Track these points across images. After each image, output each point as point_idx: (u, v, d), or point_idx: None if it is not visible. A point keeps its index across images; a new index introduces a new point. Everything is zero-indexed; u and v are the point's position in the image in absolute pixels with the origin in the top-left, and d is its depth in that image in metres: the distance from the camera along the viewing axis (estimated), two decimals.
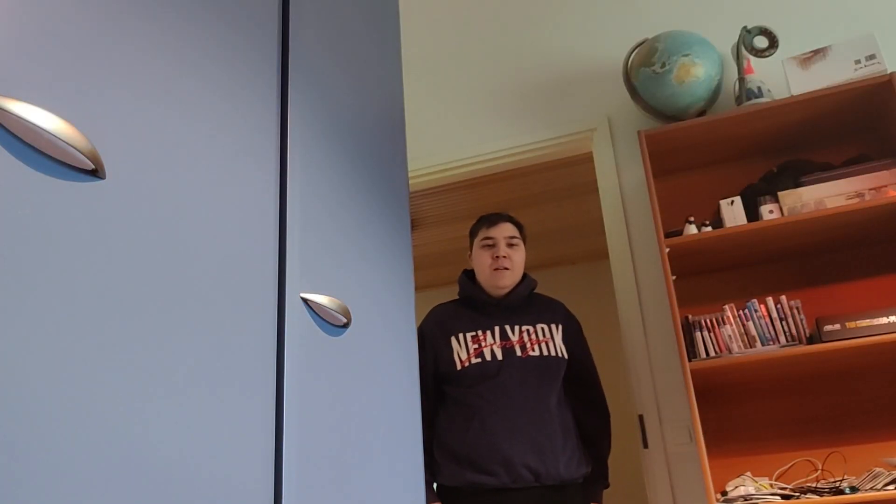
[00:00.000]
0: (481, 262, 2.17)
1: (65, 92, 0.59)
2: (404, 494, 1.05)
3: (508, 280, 2.13)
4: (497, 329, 2.11)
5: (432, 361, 2.12)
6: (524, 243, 2.22)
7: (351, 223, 1.07)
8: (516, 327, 2.11)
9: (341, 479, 0.90)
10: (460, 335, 2.12)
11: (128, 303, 0.62)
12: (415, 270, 5.25)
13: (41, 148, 0.55)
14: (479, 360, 2.05)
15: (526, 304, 2.19)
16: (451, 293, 2.33)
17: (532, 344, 2.08)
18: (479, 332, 2.11)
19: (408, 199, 1.30)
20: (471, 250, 2.27)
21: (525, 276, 2.23)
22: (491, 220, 2.22)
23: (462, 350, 2.08)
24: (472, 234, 2.27)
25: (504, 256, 2.13)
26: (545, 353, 2.07)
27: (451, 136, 2.86)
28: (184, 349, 0.67)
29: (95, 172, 0.60)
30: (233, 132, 0.82)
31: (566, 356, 2.11)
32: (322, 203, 0.99)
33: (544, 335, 2.11)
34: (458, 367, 2.06)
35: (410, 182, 2.88)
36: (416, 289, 5.57)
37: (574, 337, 2.18)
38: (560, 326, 2.15)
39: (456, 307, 2.23)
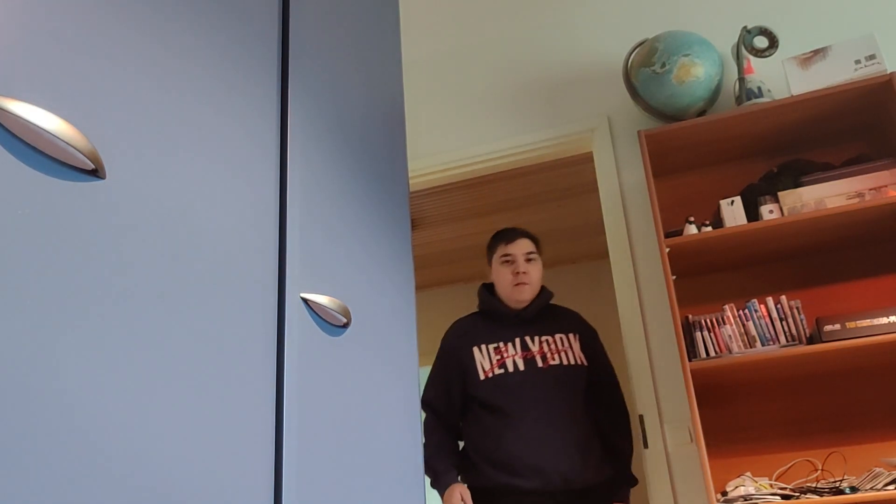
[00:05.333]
0: (502, 278, 2.25)
1: (65, 92, 0.59)
2: (404, 495, 1.05)
3: (528, 294, 2.22)
4: (518, 341, 2.19)
5: (458, 374, 2.21)
6: (540, 256, 2.30)
7: (351, 223, 1.07)
8: (536, 338, 2.20)
9: (341, 479, 0.90)
10: (482, 346, 2.20)
11: (127, 303, 0.62)
12: (415, 270, 5.24)
13: (41, 148, 0.55)
14: (501, 370, 2.14)
15: (543, 315, 2.27)
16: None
17: (552, 353, 2.17)
18: (501, 344, 2.19)
19: (408, 198, 1.30)
20: (490, 265, 2.35)
21: (542, 288, 2.30)
22: (508, 236, 2.30)
23: (485, 360, 2.17)
24: (490, 249, 2.35)
25: (524, 272, 2.22)
26: (565, 361, 2.16)
27: (452, 136, 2.86)
28: (183, 349, 0.68)
29: (95, 172, 0.60)
30: (233, 133, 0.82)
31: (586, 363, 2.20)
32: (322, 203, 0.99)
33: (563, 345, 2.20)
34: (482, 377, 2.15)
35: (411, 182, 2.88)
36: (416, 289, 5.57)
37: (591, 344, 2.27)
38: (577, 335, 2.24)
39: (476, 319, 2.32)
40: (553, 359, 2.16)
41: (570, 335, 2.23)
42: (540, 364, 2.14)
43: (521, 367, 2.13)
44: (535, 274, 2.24)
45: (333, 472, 0.89)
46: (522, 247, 2.26)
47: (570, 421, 2.07)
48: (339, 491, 0.89)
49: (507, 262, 2.25)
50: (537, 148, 2.72)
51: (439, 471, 2.13)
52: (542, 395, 2.08)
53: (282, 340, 0.84)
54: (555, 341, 2.20)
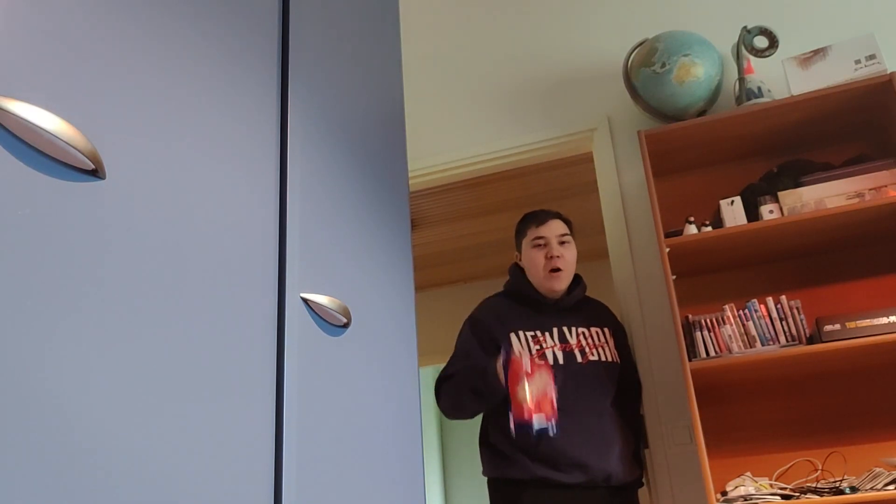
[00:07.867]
0: (534, 264, 2.13)
1: (65, 92, 0.59)
2: (404, 495, 1.05)
3: (563, 283, 2.13)
4: (556, 330, 2.10)
5: (495, 351, 2.07)
6: (574, 240, 2.20)
7: (351, 223, 1.07)
8: (573, 329, 2.11)
9: (341, 479, 0.90)
10: (520, 333, 2.09)
11: (127, 303, 0.62)
12: (415, 270, 5.24)
13: (41, 148, 0.55)
14: (542, 362, 2.04)
15: (578, 304, 2.20)
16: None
17: (591, 348, 2.10)
18: (538, 333, 2.09)
19: (408, 198, 1.30)
20: (519, 251, 2.23)
21: (578, 277, 2.22)
22: (539, 218, 2.18)
23: (524, 350, 2.06)
24: (520, 233, 2.24)
25: (558, 256, 2.11)
26: (603, 358, 2.09)
27: (452, 136, 2.86)
28: (183, 349, 0.68)
29: (95, 172, 0.60)
30: (233, 132, 0.82)
31: (619, 361, 2.14)
32: (322, 203, 0.99)
33: (599, 339, 2.13)
34: None
35: (411, 182, 2.87)
36: (416, 289, 5.56)
37: (623, 341, 2.23)
38: (611, 331, 2.18)
39: (507, 301, 2.19)
40: (592, 354, 2.07)
41: (606, 330, 2.16)
42: (579, 359, 2.05)
43: (561, 360, 2.04)
44: (569, 257, 2.13)
45: (333, 472, 0.89)
46: (555, 228, 2.14)
47: (610, 418, 2.01)
48: (338, 491, 0.89)
49: (539, 245, 2.12)
50: (537, 148, 2.72)
51: (484, 368, 1.98)
52: (583, 390, 2.01)
53: (282, 340, 0.84)
54: (591, 335, 2.11)
